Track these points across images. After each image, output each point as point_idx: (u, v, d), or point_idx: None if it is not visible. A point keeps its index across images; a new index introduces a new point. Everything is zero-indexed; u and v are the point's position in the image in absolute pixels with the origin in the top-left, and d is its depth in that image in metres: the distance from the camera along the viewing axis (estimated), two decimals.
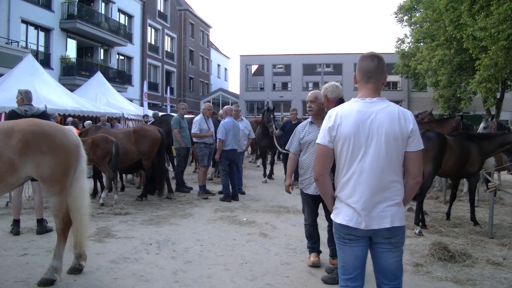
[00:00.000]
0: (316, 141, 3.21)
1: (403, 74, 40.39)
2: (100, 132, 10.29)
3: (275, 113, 14.34)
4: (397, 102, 49.87)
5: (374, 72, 3.11)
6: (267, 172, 14.20)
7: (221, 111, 12.01)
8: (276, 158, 16.09)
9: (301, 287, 5.05)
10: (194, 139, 11.14)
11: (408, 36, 39.00)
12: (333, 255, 5.61)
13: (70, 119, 15.99)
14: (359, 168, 2.99)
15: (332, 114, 3.09)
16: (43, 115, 6.90)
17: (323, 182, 3.18)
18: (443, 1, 22.74)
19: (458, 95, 27.56)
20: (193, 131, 11.07)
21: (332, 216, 3.19)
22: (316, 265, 5.63)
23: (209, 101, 40.68)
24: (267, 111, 13.41)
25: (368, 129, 2.97)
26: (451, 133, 9.48)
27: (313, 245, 5.79)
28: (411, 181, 3.11)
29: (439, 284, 5.14)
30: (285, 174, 9.39)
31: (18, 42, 24.45)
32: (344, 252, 3.11)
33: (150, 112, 19.68)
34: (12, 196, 7.53)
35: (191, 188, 11.40)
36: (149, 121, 16.64)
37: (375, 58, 3.13)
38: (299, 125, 5.94)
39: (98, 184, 10.56)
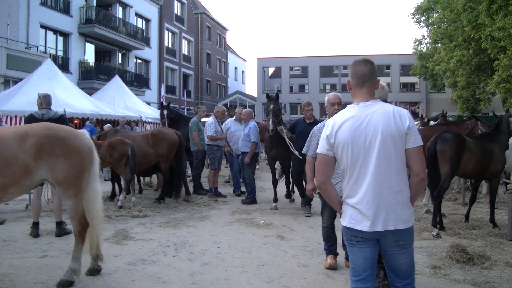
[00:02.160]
0: (317, 150, 3.31)
1: (421, 75, 40.03)
2: (118, 135, 10.39)
3: (292, 116, 12.82)
4: (415, 103, 49.79)
5: (368, 76, 3.18)
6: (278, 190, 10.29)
7: (237, 111, 11.86)
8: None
9: None
10: (207, 142, 11.15)
11: (425, 37, 38.63)
12: (348, 257, 5.61)
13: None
14: (360, 171, 3.04)
15: (330, 123, 3.17)
16: (61, 119, 7.02)
17: (325, 189, 3.25)
18: (460, 1, 22.49)
19: (477, 96, 27.21)
20: (209, 133, 11.10)
21: (341, 220, 3.24)
22: (333, 267, 5.62)
23: (226, 104, 40.86)
24: (267, 99, 9.57)
25: (365, 132, 3.01)
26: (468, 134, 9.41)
27: (330, 248, 5.78)
28: (414, 178, 3.11)
29: (457, 286, 5.09)
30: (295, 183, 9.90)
31: (37, 47, 24.82)
32: (353, 253, 3.15)
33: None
34: (32, 198, 7.64)
35: (209, 191, 11.43)
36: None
37: (368, 63, 3.22)
38: (316, 128, 5.93)
39: (117, 186, 10.63)
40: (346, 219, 3.12)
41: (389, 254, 3.10)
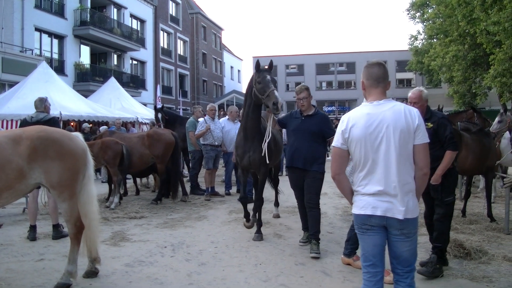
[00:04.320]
0: (331, 144, 3.60)
1: (417, 71, 40.17)
2: (114, 137, 10.39)
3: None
4: None
5: (382, 78, 3.46)
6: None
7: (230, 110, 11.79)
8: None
9: (315, 287, 5.04)
10: (201, 142, 11.14)
11: (421, 32, 38.78)
12: (349, 254, 5.62)
13: (85, 124, 16.19)
14: (371, 164, 3.31)
15: (344, 119, 3.45)
16: (51, 121, 7.01)
17: (340, 180, 3.52)
18: None
19: (473, 91, 27.29)
20: (196, 133, 11.15)
21: (352, 210, 3.49)
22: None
23: (223, 103, 40.81)
24: (257, 70, 6.70)
25: (378, 128, 3.28)
26: (464, 121, 9.47)
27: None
28: (419, 172, 3.37)
29: (455, 281, 5.10)
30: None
31: (32, 50, 24.74)
32: (363, 241, 3.42)
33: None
34: (28, 202, 7.63)
35: (206, 191, 11.41)
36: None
37: (381, 65, 3.51)
38: None
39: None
40: (357, 207, 3.39)
41: (393, 242, 3.34)
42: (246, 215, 7.38)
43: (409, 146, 3.29)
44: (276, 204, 8.96)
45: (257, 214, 7.28)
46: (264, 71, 6.63)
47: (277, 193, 9.03)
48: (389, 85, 3.51)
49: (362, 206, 3.34)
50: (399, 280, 3.38)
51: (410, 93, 5.55)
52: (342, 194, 3.70)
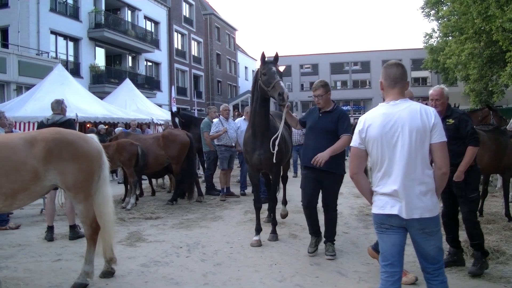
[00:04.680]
0: (350, 144, 3.68)
1: (432, 69, 39.85)
2: (129, 138, 10.47)
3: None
4: (427, 98, 49.66)
5: (400, 78, 3.52)
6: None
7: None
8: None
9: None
10: (216, 142, 11.16)
11: (436, 30, 38.40)
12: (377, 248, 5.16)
13: (101, 126, 16.32)
14: (389, 164, 3.36)
15: (362, 120, 3.54)
16: (66, 123, 7.10)
17: (358, 179, 3.60)
18: None
19: (490, 89, 26.96)
20: (210, 133, 11.14)
21: (372, 209, 3.54)
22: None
23: (237, 104, 40.84)
24: (263, 62, 6.50)
25: (394, 128, 3.34)
26: (479, 124, 9.35)
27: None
28: (437, 171, 3.39)
29: (472, 282, 5.04)
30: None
31: (48, 53, 25.06)
32: (382, 240, 3.47)
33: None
34: (46, 203, 7.72)
35: (221, 191, 11.43)
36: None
37: (399, 66, 3.58)
38: None
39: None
40: (376, 207, 3.45)
41: (417, 241, 3.38)
42: (258, 227, 6.85)
43: (426, 145, 3.31)
44: (284, 202, 8.50)
45: (271, 214, 7.21)
46: (270, 63, 6.42)
47: (285, 191, 8.62)
48: (407, 85, 3.57)
49: (381, 205, 3.39)
50: (431, 279, 3.41)
51: (432, 91, 5.52)
52: (361, 193, 3.77)
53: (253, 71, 67.17)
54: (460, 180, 5.21)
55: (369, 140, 3.42)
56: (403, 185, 3.27)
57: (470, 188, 5.36)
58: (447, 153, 3.40)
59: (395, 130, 3.32)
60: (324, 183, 6.03)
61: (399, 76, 3.51)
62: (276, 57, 6.60)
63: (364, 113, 3.67)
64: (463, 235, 5.74)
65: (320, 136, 5.96)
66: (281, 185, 8.33)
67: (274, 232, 7.04)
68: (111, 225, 5.32)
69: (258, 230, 6.84)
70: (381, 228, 3.42)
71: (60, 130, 5.05)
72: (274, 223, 7.14)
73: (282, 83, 6.17)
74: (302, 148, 6.80)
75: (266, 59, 6.42)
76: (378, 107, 3.54)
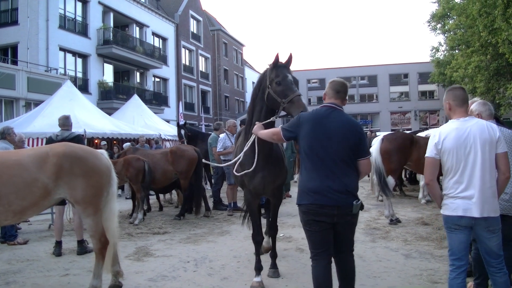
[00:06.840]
0: (425, 155, 4.09)
1: (439, 82, 39.81)
2: (137, 154, 10.53)
3: None
4: (435, 111, 49.24)
5: (466, 99, 4.10)
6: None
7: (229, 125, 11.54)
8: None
9: None
10: (221, 157, 11.14)
11: (442, 44, 38.56)
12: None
13: (103, 142, 16.44)
14: (462, 171, 3.88)
15: (436, 133, 4.06)
16: (76, 139, 7.17)
17: (433, 185, 4.13)
18: (476, 6, 22.38)
19: (497, 101, 26.95)
20: (217, 149, 11.03)
21: (441, 211, 4.05)
22: None
23: (245, 119, 40.79)
24: (275, 66, 5.20)
25: (467, 140, 3.89)
26: None
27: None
28: (501, 176, 3.95)
29: None
30: None
31: (57, 69, 25.31)
32: (451, 238, 3.98)
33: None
34: (54, 218, 7.76)
35: (228, 206, 11.43)
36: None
37: (463, 89, 4.15)
38: None
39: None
40: (448, 210, 3.94)
41: (483, 240, 3.90)
42: (258, 265, 5.65)
43: (493, 155, 3.87)
44: (271, 232, 6.29)
45: (271, 244, 6.10)
46: (283, 68, 5.13)
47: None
48: (470, 105, 4.25)
49: (454, 208, 3.88)
50: (495, 272, 3.89)
51: (475, 106, 5.19)
52: (433, 198, 4.50)
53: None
54: None
55: (445, 151, 3.95)
56: (478, 188, 3.80)
57: None
58: (508, 161, 3.93)
59: (468, 141, 3.87)
60: (336, 224, 4.20)
61: (466, 97, 4.07)
62: (290, 59, 5.25)
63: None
64: None
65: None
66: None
67: (274, 266, 6.02)
68: (115, 240, 5.36)
69: (259, 269, 5.62)
70: (451, 228, 3.93)
71: (71, 145, 5.10)
72: (274, 255, 6.07)
73: (302, 99, 5.00)
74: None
75: (279, 63, 5.16)
76: (449, 123, 4.06)
